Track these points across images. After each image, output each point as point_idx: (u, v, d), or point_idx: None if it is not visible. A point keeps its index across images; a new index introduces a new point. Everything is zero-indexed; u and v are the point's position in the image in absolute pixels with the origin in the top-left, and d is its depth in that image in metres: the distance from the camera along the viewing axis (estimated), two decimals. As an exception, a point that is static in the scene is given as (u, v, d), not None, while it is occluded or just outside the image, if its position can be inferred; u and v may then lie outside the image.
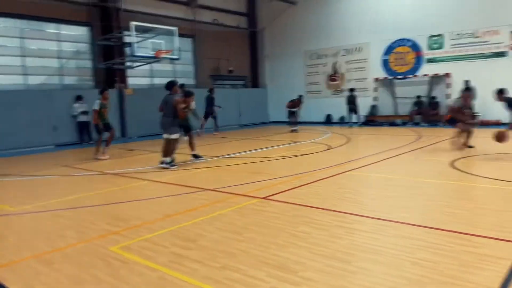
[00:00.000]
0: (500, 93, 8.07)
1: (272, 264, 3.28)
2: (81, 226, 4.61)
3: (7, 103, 12.46)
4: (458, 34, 15.99)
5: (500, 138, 7.72)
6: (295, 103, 15.98)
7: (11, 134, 12.36)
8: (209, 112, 15.25)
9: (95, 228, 4.46)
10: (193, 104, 9.26)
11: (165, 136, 8.22)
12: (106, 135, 10.12)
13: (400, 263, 3.24)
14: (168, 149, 8.23)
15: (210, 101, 15.32)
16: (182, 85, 14.19)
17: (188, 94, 8.76)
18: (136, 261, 3.48)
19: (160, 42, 14.90)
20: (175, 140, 8.24)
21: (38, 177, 7.98)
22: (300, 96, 16.32)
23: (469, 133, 9.03)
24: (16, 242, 4.16)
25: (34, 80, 14.17)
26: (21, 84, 13.82)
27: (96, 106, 9.85)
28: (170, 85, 8.39)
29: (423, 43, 16.97)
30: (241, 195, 5.69)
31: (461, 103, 9.10)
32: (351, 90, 17.16)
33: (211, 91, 15.65)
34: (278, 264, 3.28)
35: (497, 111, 14.93)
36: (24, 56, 13.93)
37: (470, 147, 9.02)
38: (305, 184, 6.22)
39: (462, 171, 6.84)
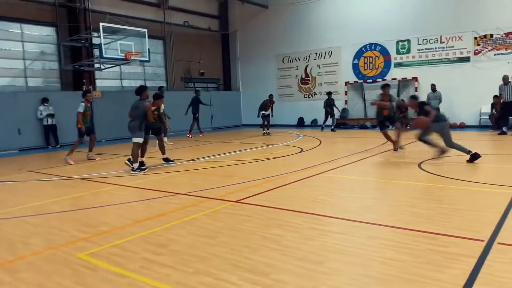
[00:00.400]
0: (413, 99, 8.54)
1: (244, 268, 3.26)
2: (47, 233, 4.45)
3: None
4: (424, 40, 16.51)
5: (417, 124, 8.02)
6: (267, 104, 15.97)
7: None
8: (195, 113, 15.53)
9: (62, 235, 4.32)
10: (162, 107, 9.28)
11: (134, 140, 8.16)
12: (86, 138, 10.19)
13: (369, 262, 3.30)
14: (135, 152, 8.13)
15: (196, 102, 15.50)
16: (160, 87, 14.06)
17: (157, 97, 8.87)
18: (105, 268, 3.38)
19: (129, 44, 14.63)
20: (140, 144, 8.14)
21: (1, 182, 7.66)
22: (271, 95, 16.36)
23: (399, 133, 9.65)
24: (-24, 251, 3.96)
25: (-3, 81, 13.64)
26: (-18, 86, 13.28)
27: (81, 109, 9.74)
28: (140, 91, 8.34)
29: (391, 48, 17.42)
30: (214, 199, 5.65)
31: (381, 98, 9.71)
32: (329, 93, 16.98)
33: (196, 92, 15.96)
34: (250, 267, 3.27)
35: (461, 114, 15.57)
36: (-14, 56, 13.39)
37: (401, 148, 9.53)
38: (277, 187, 6.25)
39: (429, 172, 7.04)
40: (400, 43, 17.15)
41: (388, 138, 10.03)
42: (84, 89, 14.95)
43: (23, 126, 13.23)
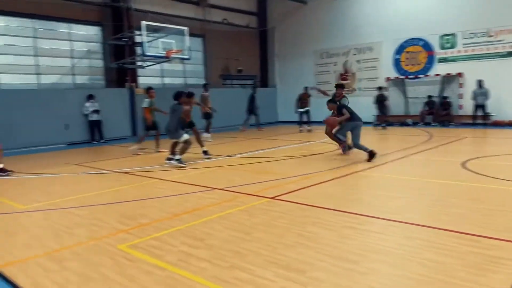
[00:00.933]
0: (331, 102, 8.96)
1: (279, 264, 3.27)
2: (91, 224, 4.66)
3: (20, 102, 12.64)
4: (471, 33, 15.77)
5: (329, 124, 8.91)
6: (303, 98, 15.68)
7: (24, 133, 12.54)
8: (251, 109, 16.84)
9: (105, 226, 4.50)
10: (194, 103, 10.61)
11: (174, 141, 8.68)
12: (152, 132, 10.99)
13: (407, 263, 3.22)
14: (176, 148, 8.67)
15: (252, 99, 16.79)
16: (205, 85, 14.64)
17: (190, 95, 9.66)
18: (144, 259, 3.50)
19: (170, 41, 14.97)
20: (187, 140, 8.48)
21: (49, 175, 8.08)
22: (306, 88, 16.15)
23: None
24: (25, 240, 4.22)
25: (46, 79, 14.36)
26: (34, 84, 14.03)
27: (146, 104, 10.66)
28: (178, 96, 8.72)
29: (435, 43, 16.77)
30: (250, 194, 5.70)
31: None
32: (380, 88, 16.31)
33: (254, 89, 17.20)
34: (286, 264, 3.28)
35: (510, 111, 14.75)
36: (37, 55, 14.13)
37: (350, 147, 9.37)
38: (314, 185, 6.20)
39: (473, 172, 6.74)
40: (445, 38, 16.48)
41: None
42: (126, 86, 15.52)
43: (70, 121, 13.88)
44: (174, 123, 8.50)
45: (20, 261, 3.60)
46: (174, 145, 8.80)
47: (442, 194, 5.50)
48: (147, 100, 10.63)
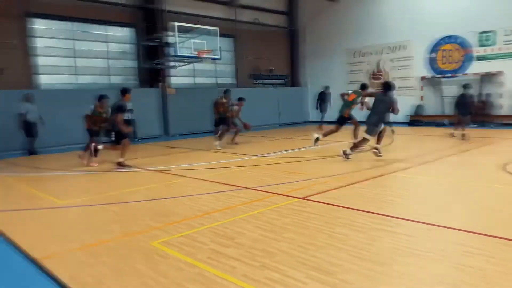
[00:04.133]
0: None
1: (310, 265, 3.25)
2: (125, 220, 4.79)
3: (60, 101, 13.12)
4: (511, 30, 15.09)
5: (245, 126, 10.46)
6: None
7: (63, 131, 12.99)
8: (324, 107, 17.02)
9: (138, 223, 4.61)
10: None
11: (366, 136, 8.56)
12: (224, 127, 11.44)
13: (442, 268, 3.12)
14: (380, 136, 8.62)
15: (324, 97, 17.07)
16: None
17: (362, 87, 10.39)
18: (175, 256, 3.56)
19: (202, 42, 15.16)
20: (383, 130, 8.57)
21: (85, 172, 8.35)
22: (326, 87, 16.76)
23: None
24: (63, 234, 4.38)
25: (83, 79, 14.86)
26: (71, 84, 14.54)
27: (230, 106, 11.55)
28: (389, 87, 8.61)
29: (472, 40, 16.17)
30: (280, 194, 5.68)
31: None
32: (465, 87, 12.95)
33: (326, 88, 17.38)
34: (317, 265, 3.25)
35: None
36: (75, 57, 14.63)
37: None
38: (345, 186, 6.12)
39: (514, 174, 6.46)
40: (483, 35, 15.85)
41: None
42: (159, 86, 15.82)
43: (106, 120, 14.27)
44: (376, 116, 8.38)
45: (58, 254, 3.75)
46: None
47: (480, 197, 5.30)
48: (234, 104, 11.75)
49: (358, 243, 3.69)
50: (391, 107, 8.35)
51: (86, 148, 9.29)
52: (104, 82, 15.38)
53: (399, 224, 4.26)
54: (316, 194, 5.62)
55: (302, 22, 21.74)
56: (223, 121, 11.36)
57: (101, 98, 9.37)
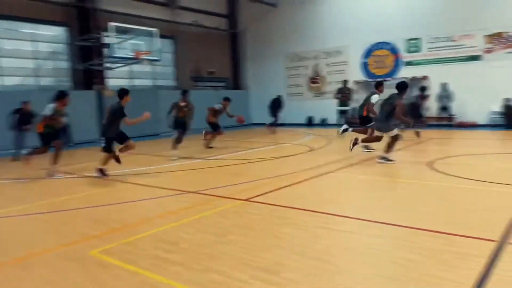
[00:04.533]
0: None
1: (255, 266, 3.28)
2: (60, 230, 4.52)
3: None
4: (435, 38, 16.35)
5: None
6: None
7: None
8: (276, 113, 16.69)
9: (75, 232, 4.37)
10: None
11: (383, 134, 8.15)
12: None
13: (380, 262, 3.30)
14: (392, 144, 8.03)
15: (278, 104, 16.69)
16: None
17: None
18: (116, 265, 3.42)
19: (139, 43, 14.74)
20: (397, 135, 8.04)
21: (14, 180, 7.77)
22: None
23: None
24: (-9, 248, 4.04)
25: (9, 80, 13.82)
26: (-4, 85, 13.48)
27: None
28: (402, 87, 8.06)
29: (401, 46, 17.29)
30: (224, 197, 5.68)
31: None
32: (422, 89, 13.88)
33: (279, 96, 17.08)
34: (261, 265, 3.28)
35: (472, 113, 15.39)
36: (0, 56, 13.58)
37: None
38: (287, 186, 6.25)
39: (440, 172, 6.98)
40: (411, 42, 17.00)
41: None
42: (94, 88, 15.12)
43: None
44: (381, 117, 8.06)
45: (-16, 271, 3.45)
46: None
47: (411, 194, 5.67)
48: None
49: (301, 242, 3.79)
50: (394, 109, 7.77)
51: (35, 153, 8.19)
52: (33, 83, 14.41)
53: (339, 222, 4.43)
54: (259, 195, 5.67)
55: (243, 26, 21.93)
56: (179, 125, 10.14)
57: (64, 95, 8.14)
